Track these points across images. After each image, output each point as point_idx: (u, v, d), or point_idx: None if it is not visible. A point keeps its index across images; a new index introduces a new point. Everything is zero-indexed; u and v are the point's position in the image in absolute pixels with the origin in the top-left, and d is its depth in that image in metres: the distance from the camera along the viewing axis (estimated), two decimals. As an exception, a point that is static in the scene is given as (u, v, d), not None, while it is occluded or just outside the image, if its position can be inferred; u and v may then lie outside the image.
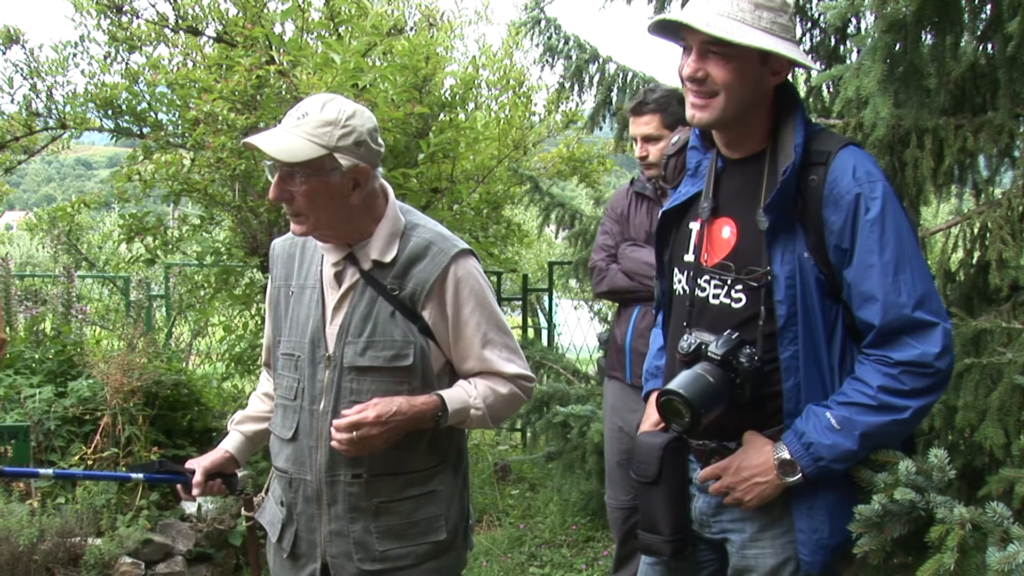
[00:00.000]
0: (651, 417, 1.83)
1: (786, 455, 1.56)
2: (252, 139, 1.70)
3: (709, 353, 1.60)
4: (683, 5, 1.81)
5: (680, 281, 1.75)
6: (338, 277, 1.79)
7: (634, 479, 1.80)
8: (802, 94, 2.80)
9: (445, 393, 1.78)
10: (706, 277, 1.68)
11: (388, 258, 1.77)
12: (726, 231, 1.67)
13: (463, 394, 1.79)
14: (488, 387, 1.81)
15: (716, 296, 1.66)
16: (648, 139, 2.86)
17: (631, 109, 2.93)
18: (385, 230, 1.78)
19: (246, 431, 2.00)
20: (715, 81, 1.56)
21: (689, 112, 1.63)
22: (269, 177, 1.76)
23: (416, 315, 1.77)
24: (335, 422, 1.70)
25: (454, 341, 1.81)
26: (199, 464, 1.92)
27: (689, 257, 1.72)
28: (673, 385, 1.59)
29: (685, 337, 1.66)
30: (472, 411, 1.79)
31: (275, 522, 1.88)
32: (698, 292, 1.70)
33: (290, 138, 1.67)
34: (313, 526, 1.81)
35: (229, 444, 1.97)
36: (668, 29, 1.63)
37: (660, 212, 1.84)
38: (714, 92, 1.57)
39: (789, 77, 1.68)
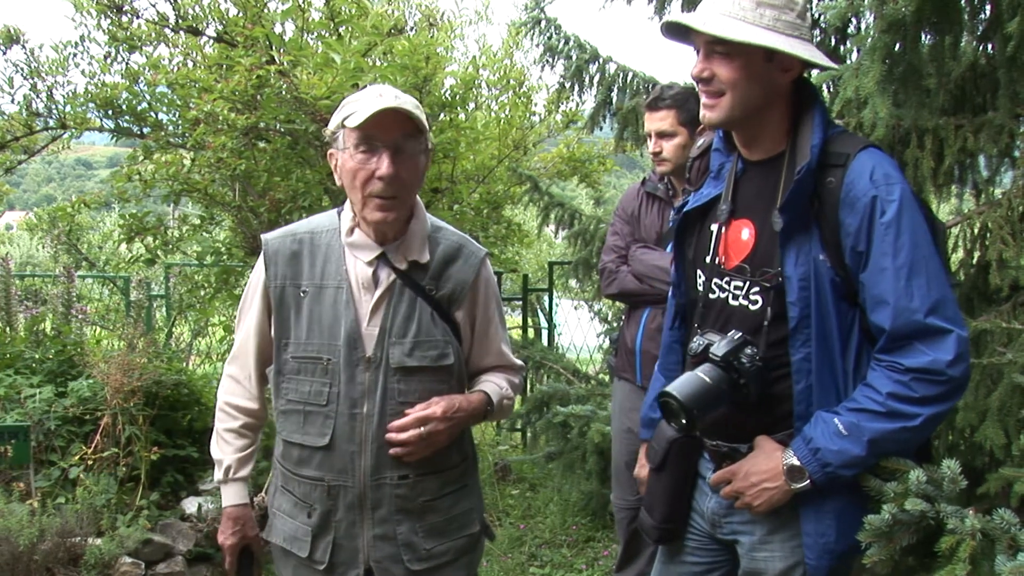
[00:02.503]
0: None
1: (795, 461, 1.56)
2: (389, 104, 1.64)
3: (710, 355, 1.61)
4: (683, 5, 1.81)
5: (701, 283, 1.76)
6: (373, 277, 1.76)
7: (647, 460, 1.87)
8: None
9: (485, 387, 1.85)
10: (725, 279, 1.68)
11: (425, 258, 1.78)
12: (745, 233, 1.67)
13: (495, 387, 1.87)
14: (506, 379, 1.91)
15: (735, 298, 1.66)
16: (662, 135, 2.85)
17: (647, 104, 2.92)
18: (419, 231, 1.79)
19: (246, 475, 1.89)
20: (721, 80, 1.57)
21: (701, 112, 1.64)
22: (352, 156, 1.69)
23: (449, 315, 1.79)
24: (397, 423, 1.70)
25: (479, 338, 1.86)
26: (244, 536, 1.86)
27: (710, 259, 1.73)
28: (670, 387, 1.61)
29: (695, 339, 1.67)
30: (505, 401, 1.88)
31: (300, 536, 1.79)
32: (718, 294, 1.70)
33: (413, 110, 1.67)
34: (354, 532, 1.76)
35: (243, 498, 1.88)
36: (678, 32, 1.64)
37: (680, 213, 1.84)
38: (720, 91, 1.58)
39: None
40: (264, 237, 1.86)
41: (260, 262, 1.85)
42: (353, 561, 1.77)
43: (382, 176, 1.66)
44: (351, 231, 1.78)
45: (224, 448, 1.88)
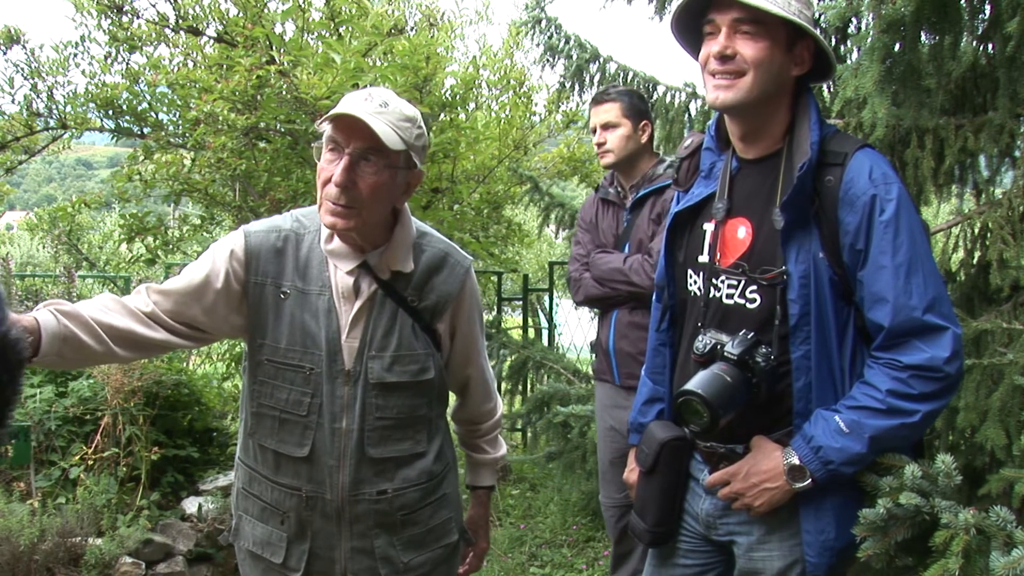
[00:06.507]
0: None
1: (795, 460, 1.56)
2: (353, 111, 1.56)
3: (726, 353, 1.59)
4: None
5: (695, 282, 1.74)
6: (355, 287, 1.68)
7: (636, 463, 1.86)
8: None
9: (483, 481, 2.01)
10: (721, 277, 1.68)
11: (409, 268, 1.70)
12: (741, 231, 1.67)
13: (490, 476, 2.02)
14: (494, 437, 2.01)
15: (730, 296, 1.66)
16: (607, 126, 2.98)
17: (593, 99, 3.06)
18: (402, 239, 1.71)
19: (68, 332, 1.49)
20: (744, 59, 1.56)
21: (712, 95, 1.60)
22: (316, 158, 1.66)
23: (430, 327, 1.74)
24: None
25: (460, 348, 1.82)
26: None
27: (703, 258, 1.72)
28: (691, 385, 1.58)
29: (700, 338, 1.66)
30: (500, 458, 2.04)
31: (274, 541, 1.76)
32: (713, 293, 1.69)
33: (381, 124, 1.56)
34: (332, 543, 1.73)
35: (45, 321, 1.46)
36: (691, 28, 1.63)
37: (672, 214, 1.83)
38: (741, 71, 1.57)
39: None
40: (245, 229, 1.74)
41: (240, 254, 1.70)
42: (330, 571, 1.74)
43: (335, 182, 1.58)
44: (331, 237, 1.70)
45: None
